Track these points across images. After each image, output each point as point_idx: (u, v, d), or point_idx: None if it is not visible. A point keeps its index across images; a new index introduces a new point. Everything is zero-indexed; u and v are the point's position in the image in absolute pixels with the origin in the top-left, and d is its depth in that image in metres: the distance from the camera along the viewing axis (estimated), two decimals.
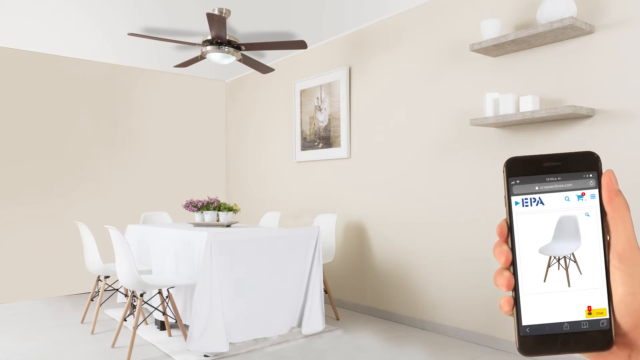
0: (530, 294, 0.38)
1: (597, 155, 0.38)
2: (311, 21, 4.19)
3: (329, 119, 4.65)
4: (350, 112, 4.45)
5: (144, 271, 3.80)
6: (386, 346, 3.39)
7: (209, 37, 3.82)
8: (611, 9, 2.74)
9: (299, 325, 3.66)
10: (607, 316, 0.37)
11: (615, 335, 0.37)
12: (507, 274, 0.39)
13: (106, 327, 3.92)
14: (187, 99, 6.01)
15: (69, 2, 3.77)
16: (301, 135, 5.00)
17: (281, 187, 5.32)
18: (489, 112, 3.10)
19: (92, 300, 4.25)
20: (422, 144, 3.79)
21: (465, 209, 3.48)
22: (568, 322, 0.37)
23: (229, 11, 3.92)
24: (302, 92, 5.00)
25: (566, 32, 2.78)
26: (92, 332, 3.73)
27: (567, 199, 0.38)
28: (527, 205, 0.39)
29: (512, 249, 0.39)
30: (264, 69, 4.43)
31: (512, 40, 2.95)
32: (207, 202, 3.98)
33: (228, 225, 3.89)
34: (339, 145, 4.52)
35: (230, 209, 3.94)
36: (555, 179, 0.39)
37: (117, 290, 4.05)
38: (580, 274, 0.38)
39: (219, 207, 3.96)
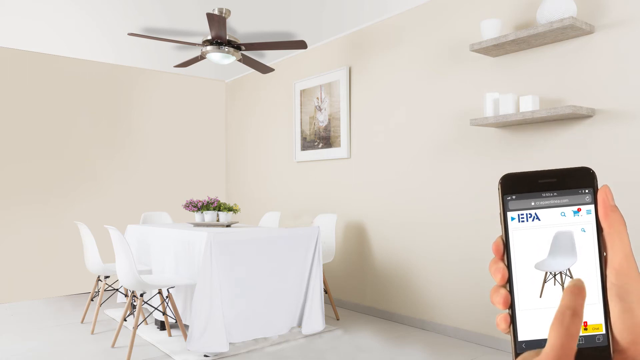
0: (526, 309, 0.38)
1: (593, 171, 0.38)
2: (311, 21, 4.19)
3: (329, 119, 4.65)
4: (350, 112, 4.45)
5: (144, 271, 3.80)
6: (386, 346, 3.39)
7: (209, 37, 3.82)
8: (611, 9, 2.74)
9: (299, 325, 3.66)
10: (604, 332, 0.37)
11: (613, 351, 0.37)
12: (504, 292, 0.38)
13: (106, 327, 3.92)
14: (187, 99, 6.01)
15: (69, 2, 3.77)
16: (301, 135, 5.00)
17: (281, 187, 5.32)
18: (489, 112, 3.10)
19: (92, 300, 4.25)
20: (422, 144, 3.79)
21: (465, 209, 3.48)
22: None
23: (229, 11, 3.92)
24: (302, 92, 5.00)
25: (566, 32, 2.78)
26: (92, 332, 3.74)
27: (563, 214, 0.38)
28: (523, 221, 0.39)
29: (508, 265, 0.39)
30: (264, 69, 4.43)
31: (512, 40, 2.95)
32: (207, 202, 3.98)
33: (228, 225, 3.90)
34: (339, 145, 4.52)
35: (230, 209, 3.94)
36: (551, 194, 0.39)
37: (117, 290, 4.06)
38: None
39: (219, 207, 3.96)
